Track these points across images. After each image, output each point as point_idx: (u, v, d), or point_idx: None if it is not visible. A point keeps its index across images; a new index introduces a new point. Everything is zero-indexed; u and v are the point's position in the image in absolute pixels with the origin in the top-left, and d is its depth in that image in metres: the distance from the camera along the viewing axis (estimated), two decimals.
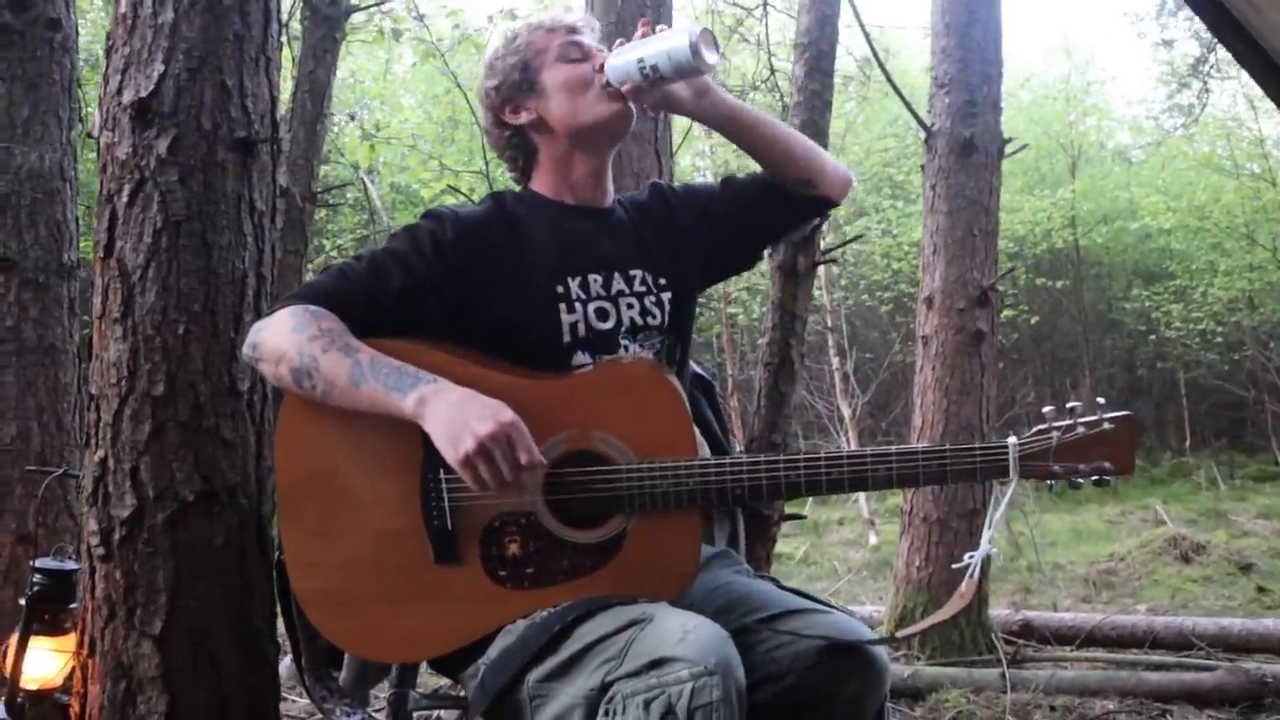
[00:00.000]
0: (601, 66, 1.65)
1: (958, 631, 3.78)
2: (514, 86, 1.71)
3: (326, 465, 1.56)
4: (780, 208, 1.82)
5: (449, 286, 1.61)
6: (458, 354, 1.57)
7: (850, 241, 7.65)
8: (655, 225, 1.81)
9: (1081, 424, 1.52)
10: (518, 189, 1.80)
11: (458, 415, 1.42)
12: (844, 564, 7.66)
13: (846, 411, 10.24)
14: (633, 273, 1.72)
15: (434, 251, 1.60)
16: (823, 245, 2.83)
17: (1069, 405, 1.54)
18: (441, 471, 1.52)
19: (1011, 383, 14.60)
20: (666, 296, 1.74)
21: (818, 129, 2.46)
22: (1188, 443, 15.67)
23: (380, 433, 1.53)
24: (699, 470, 1.51)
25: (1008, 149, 4.17)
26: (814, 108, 2.52)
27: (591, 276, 1.68)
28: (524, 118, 1.73)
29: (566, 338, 1.63)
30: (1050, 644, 4.19)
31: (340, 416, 1.54)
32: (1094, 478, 1.52)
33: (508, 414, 1.42)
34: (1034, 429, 1.53)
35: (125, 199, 1.84)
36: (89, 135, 2.00)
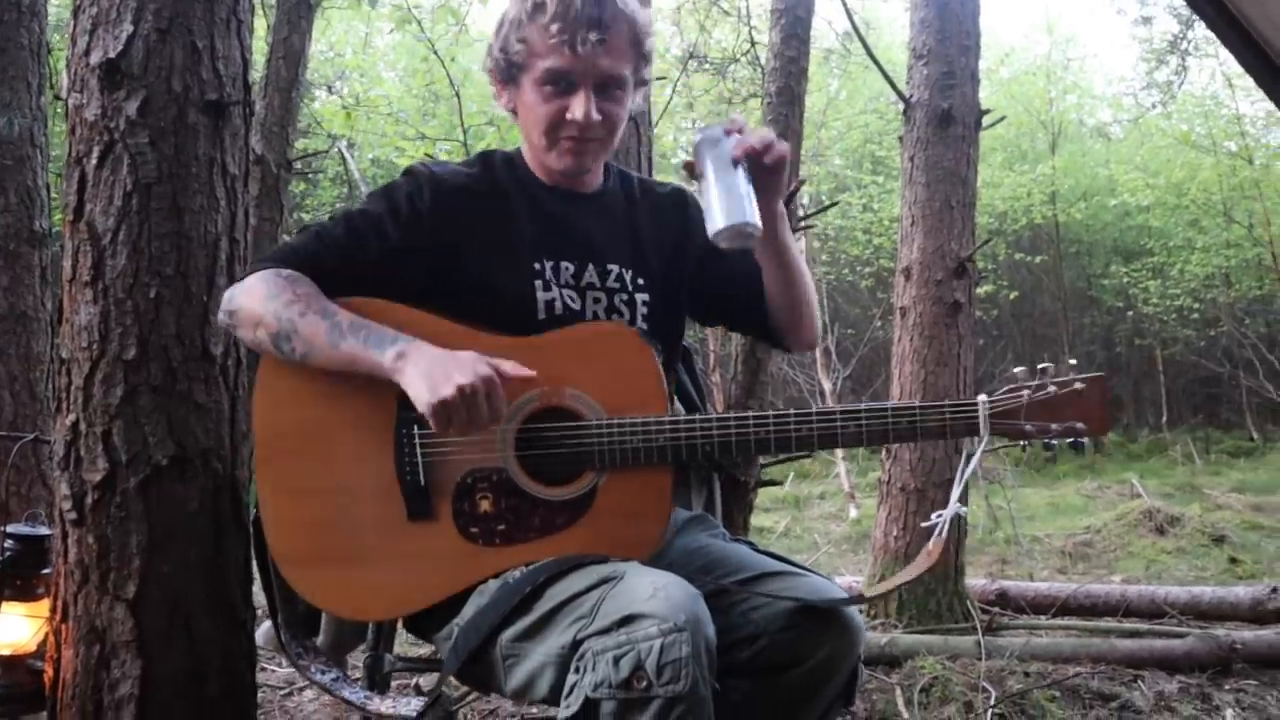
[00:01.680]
0: (587, 118, 1.55)
1: (934, 600, 3.81)
2: (500, 68, 1.65)
3: (302, 423, 1.56)
4: (749, 320, 1.80)
5: (424, 253, 1.60)
6: (431, 314, 1.56)
7: (828, 207, 7.67)
8: (659, 227, 1.77)
9: (1053, 383, 1.53)
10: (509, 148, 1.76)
11: (437, 367, 1.42)
12: (824, 537, 7.71)
13: (827, 386, 10.28)
14: (609, 267, 1.69)
15: (410, 216, 1.59)
16: (801, 213, 2.83)
17: (1040, 366, 1.55)
18: (415, 428, 1.52)
19: (991, 357, 14.70)
20: (641, 298, 1.70)
21: (793, 95, 2.45)
22: (1164, 419, 15.85)
23: (356, 391, 1.53)
24: (669, 426, 1.51)
25: (985, 121, 4.17)
26: (790, 74, 2.51)
27: (564, 264, 1.66)
28: (505, 101, 1.69)
29: (541, 315, 1.62)
30: (1026, 613, 4.24)
31: (317, 375, 1.54)
32: (1068, 439, 1.53)
33: (487, 369, 1.42)
34: (1004, 388, 1.54)
35: (95, 161, 1.81)
36: (57, 97, 1.97)
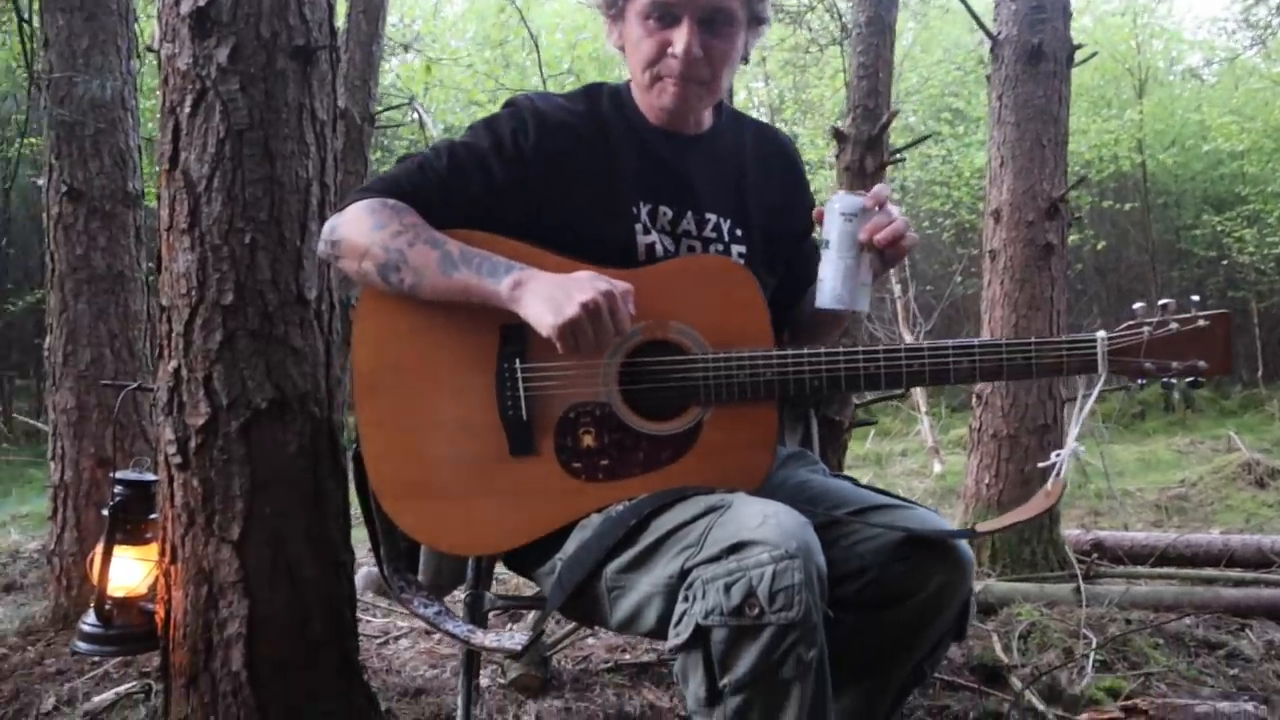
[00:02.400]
0: (688, 53, 1.51)
1: (1029, 549, 3.72)
2: (606, 2, 1.61)
3: (403, 358, 1.56)
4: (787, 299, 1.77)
5: (526, 189, 1.56)
6: (534, 247, 1.53)
7: (920, 140, 7.47)
8: (765, 177, 1.73)
9: (1175, 320, 1.46)
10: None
11: (558, 290, 1.40)
12: (909, 492, 7.61)
13: (909, 340, 10.11)
14: (708, 215, 1.65)
15: (514, 152, 1.56)
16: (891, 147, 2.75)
17: (1161, 302, 1.48)
18: (517, 361, 1.51)
19: (1076, 311, 14.30)
20: (738, 249, 1.66)
21: (883, 24, 2.37)
22: (1260, 373, 15.29)
23: (456, 325, 1.53)
24: (776, 360, 1.47)
25: (1077, 56, 4.01)
26: (879, 2, 2.43)
27: (663, 208, 1.62)
28: (614, 38, 1.64)
29: (641, 258, 1.58)
30: (1123, 563, 4.12)
31: (417, 310, 1.53)
32: (1188, 378, 1.46)
33: (606, 284, 1.40)
34: (1124, 324, 1.47)
35: (188, 110, 1.83)
36: (149, 49, 1.99)
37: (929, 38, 14.67)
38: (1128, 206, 15.24)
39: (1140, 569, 3.98)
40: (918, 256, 14.37)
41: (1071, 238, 14.12)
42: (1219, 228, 15.06)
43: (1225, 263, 15.51)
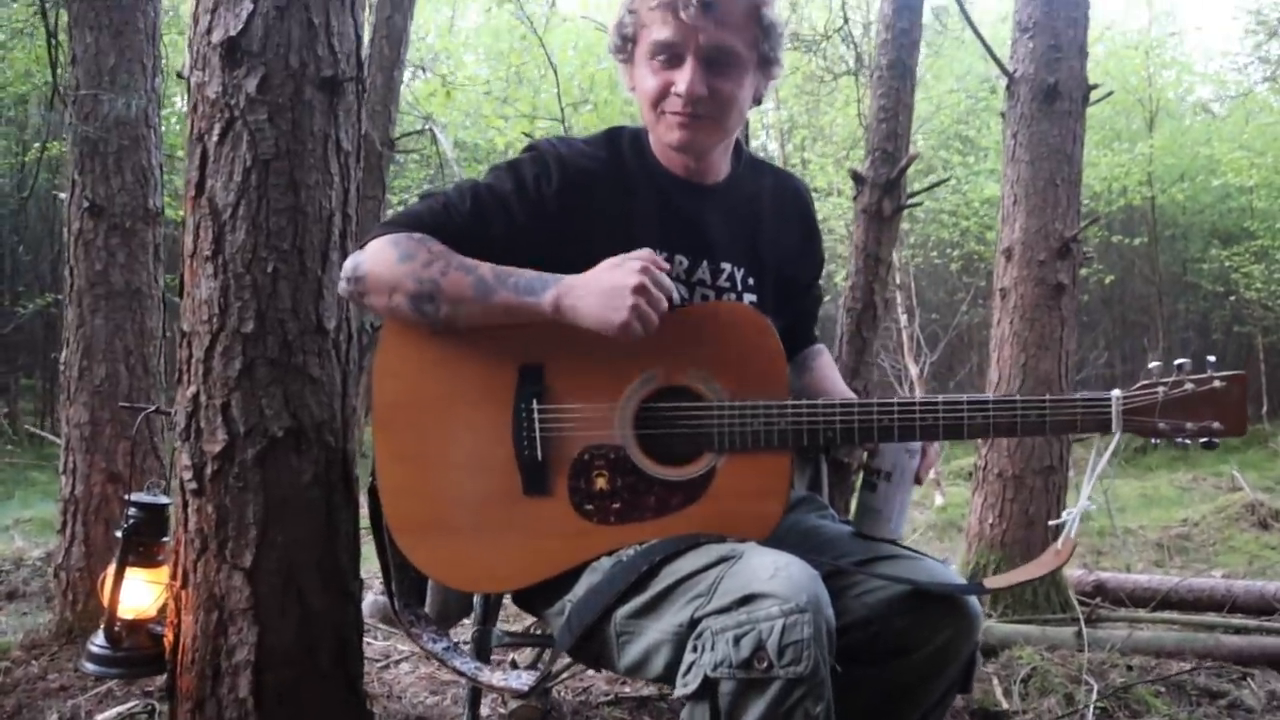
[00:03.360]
0: (691, 92, 1.54)
1: (1031, 590, 3.72)
2: (617, 48, 1.64)
3: (422, 393, 1.57)
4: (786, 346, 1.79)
5: (547, 235, 1.57)
6: None
7: (938, 185, 7.49)
8: (782, 225, 1.75)
9: (1190, 380, 1.47)
10: (636, 125, 1.73)
11: (603, 297, 1.43)
12: (910, 525, 7.61)
13: (914, 370, 10.12)
14: (723, 265, 1.66)
15: (536, 198, 1.57)
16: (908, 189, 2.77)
17: (1177, 362, 1.49)
18: (535, 402, 1.52)
19: (1083, 345, 14.30)
20: (750, 298, 1.68)
21: (905, 68, 2.40)
22: (1264, 409, 15.28)
23: (475, 362, 1.54)
24: (791, 411, 1.49)
25: (1093, 95, 4.03)
26: (901, 46, 2.45)
27: (679, 258, 1.63)
28: (628, 81, 1.66)
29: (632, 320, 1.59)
30: (1125, 605, 4.11)
31: (438, 345, 1.55)
32: (1202, 439, 1.47)
33: (638, 262, 1.43)
34: (1139, 383, 1.48)
35: (216, 138, 1.85)
36: (179, 75, 2.01)
37: (942, 66, 14.72)
38: (1136, 241, 15.26)
39: (1142, 613, 3.97)
40: (924, 284, 14.40)
41: (1080, 271, 14.17)
42: (1226, 262, 15.08)
43: (1232, 298, 15.51)
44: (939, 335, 11.73)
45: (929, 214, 14.08)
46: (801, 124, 14.59)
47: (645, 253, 1.45)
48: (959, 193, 13.40)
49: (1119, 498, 8.36)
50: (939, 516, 7.85)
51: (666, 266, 1.47)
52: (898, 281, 10.97)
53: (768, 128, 15.58)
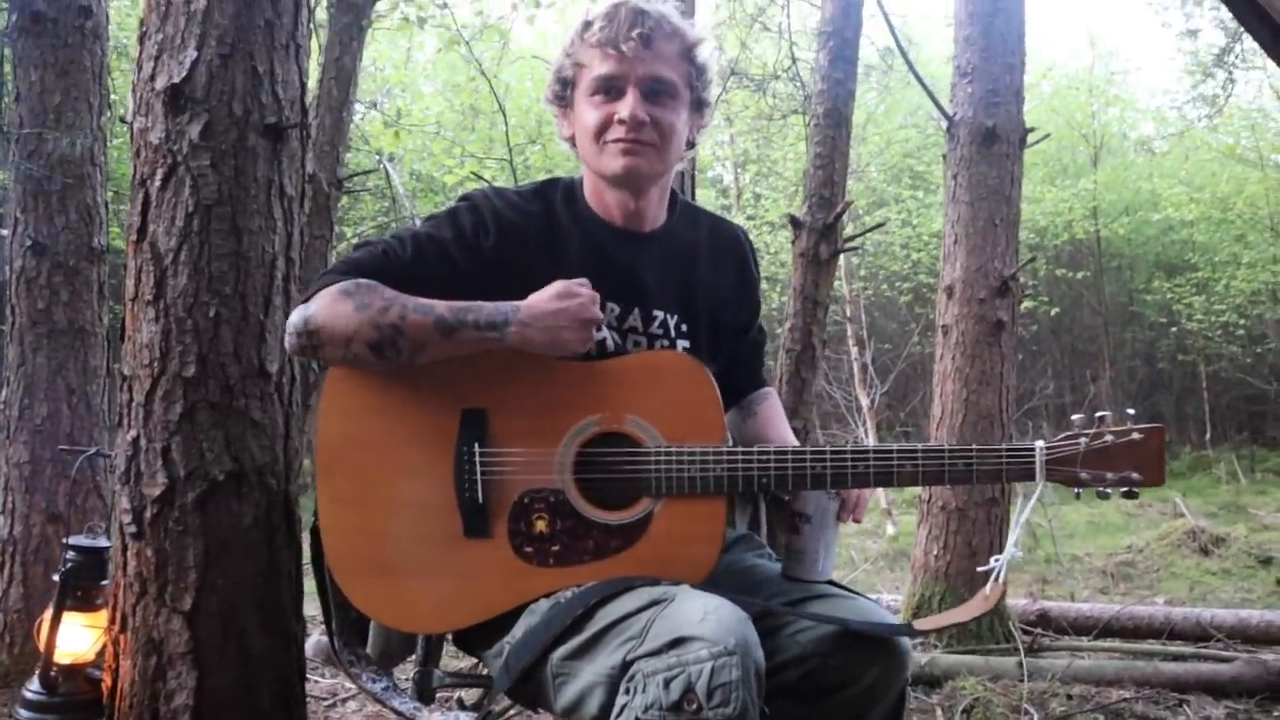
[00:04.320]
0: (634, 118, 1.59)
1: (975, 621, 3.78)
2: (555, 94, 1.69)
3: (365, 435, 1.59)
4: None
5: (484, 284, 1.59)
6: None
7: (872, 230, 7.63)
8: (717, 271, 1.78)
9: (1110, 432, 1.52)
10: (569, 176, 1.77)
11: (553, 333, 1.51)
12: (861, 554, 7.67)
13: (865, 402, 10.23)
14: (655, 312, 1.70)
15: (474, 249, 1.61)
16: (844, 234, 2.84)
17: (1097, 414, 1.54)
18: (476, 445, 1.55)
19: (1031, 374, 14.55)
20: (683, 344, 1.71)
21: (840, 117, 2.47)
22: (1208, 436, 15.60)
23: (418, 406, 1.57)
24: (726, 457, 1.52)
25: (1029, 139, 4.15)
26: (837, 96, 2.53)
27: (611, 305, 1.66)
28: (564, 130, 1.72)
29: (592, 351, 1.61)
30: (1067, 634, 4.19)
31: (381, 388, 1.57)
32: (1122, 489, 1.52)
33: (580, 299, 1.52)
34: (1062, 435, 1.54)
35: (158, 183, 1.87)
36: (121, 119, 2.02)
37: (893, 103, 15.00)
38: (1079, 275, 15.58)
39: (1084, 641, 4.05)
40: (877, 315, 14.58)
41: (1026, 303, 14.43)
42: (1169, 294, 15.44)
43: (1174, 329, 15.88)
44: (890, 366, 11.88)
45: (880, 246, 14.30)
46: (754, 159, 14.78)
47: (575, 283, 1.53)
48: (909, 225, 13.63)
49: (1067, 524, 8.49)
50: (891, 546, 7.92)
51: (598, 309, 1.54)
52: (848, 314, 11.11)
53: (721, 161, 15.76)
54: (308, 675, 3.08)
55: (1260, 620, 4.15)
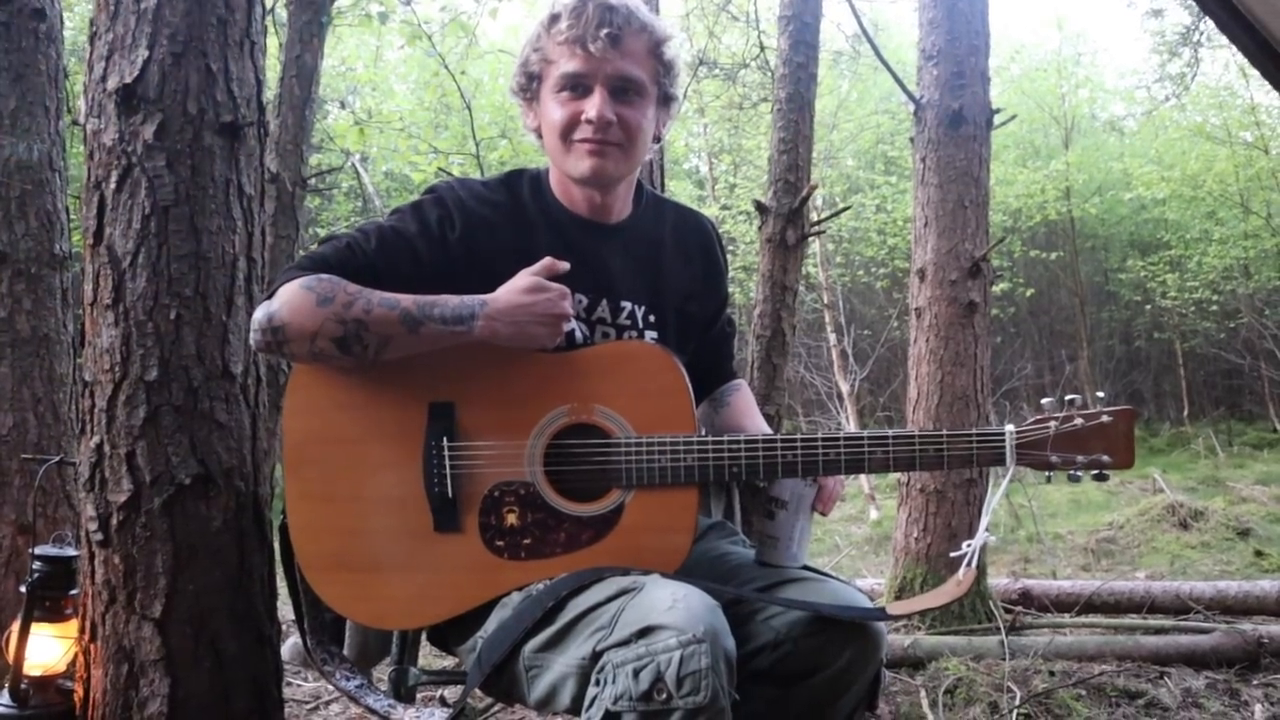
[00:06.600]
0: (601, 118, 1.58)
1: (957, 601, 3.80)
2: (521, 87, 1.67)
3: (332, 431, 1.57)
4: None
5: (450, 275, 1.58)
6: None
7: (838, 213, 7.64)
8: (685, 261, 1.77)
9: (1079, 415, 1.52)
10: (535, 167, 1.76)
11: (523, 327, 1.51)
12: (845, 539, 7.70)
13: (845, 388, 10.26)
14: (623, 303, 1.69)
15: (440, 241, 1.59)
16: (813, 218, 2.83)
17: (1067, 398, 1.55)
18: (445, 439, 1.53)
19: (1008, 355, 14.64)
20: (651, 335, 1.70)
21: (803, 100, 2.46)
22: (1185, 412, 15.76)
23: (385, 400, 1.55)
24: (697, 446, 1.51)
25: (996, 120, 4.16)
26: (799, 80, 2.52)
27: (578, 296, 1.64)
28: (529, 121, 1.70)
29: (561, 342, 1.59)
30: (1049, 611, 4.22)
31: (348, 384, 1.56)
32: (1093, 471, 1.53)
33: (546, 292, 1.51)
34: (1032, 419, 1.54)
35: (113, 185, 1.84)
36: (75, 123, 2.00)
37: (864, 89, 15.04)
38: (1053, 255, 15.68)
39: (1065, 618, 4.07)
40: (855, 301, 14.62)
41: (1002, 285, 14.51)
42: (1143, 272, 15.56)
43: (1149, 307, 16.01)
44: (869, 352, 11.92)
45: (856, 233, 14.34)
46: (727, 148, 14.79)
47: (542, 265, 1.53)
48: (884, 211, 13.66)
49: (1049, 503, 8.55)
50: (874, 530, 7.95)
51: (567, 296, 1.53)
52: (825, 301, 11.14)
53: (696, 152, 15.75)
54: (289, 679, 3.06)
55: (1238, 590, 4.18)
